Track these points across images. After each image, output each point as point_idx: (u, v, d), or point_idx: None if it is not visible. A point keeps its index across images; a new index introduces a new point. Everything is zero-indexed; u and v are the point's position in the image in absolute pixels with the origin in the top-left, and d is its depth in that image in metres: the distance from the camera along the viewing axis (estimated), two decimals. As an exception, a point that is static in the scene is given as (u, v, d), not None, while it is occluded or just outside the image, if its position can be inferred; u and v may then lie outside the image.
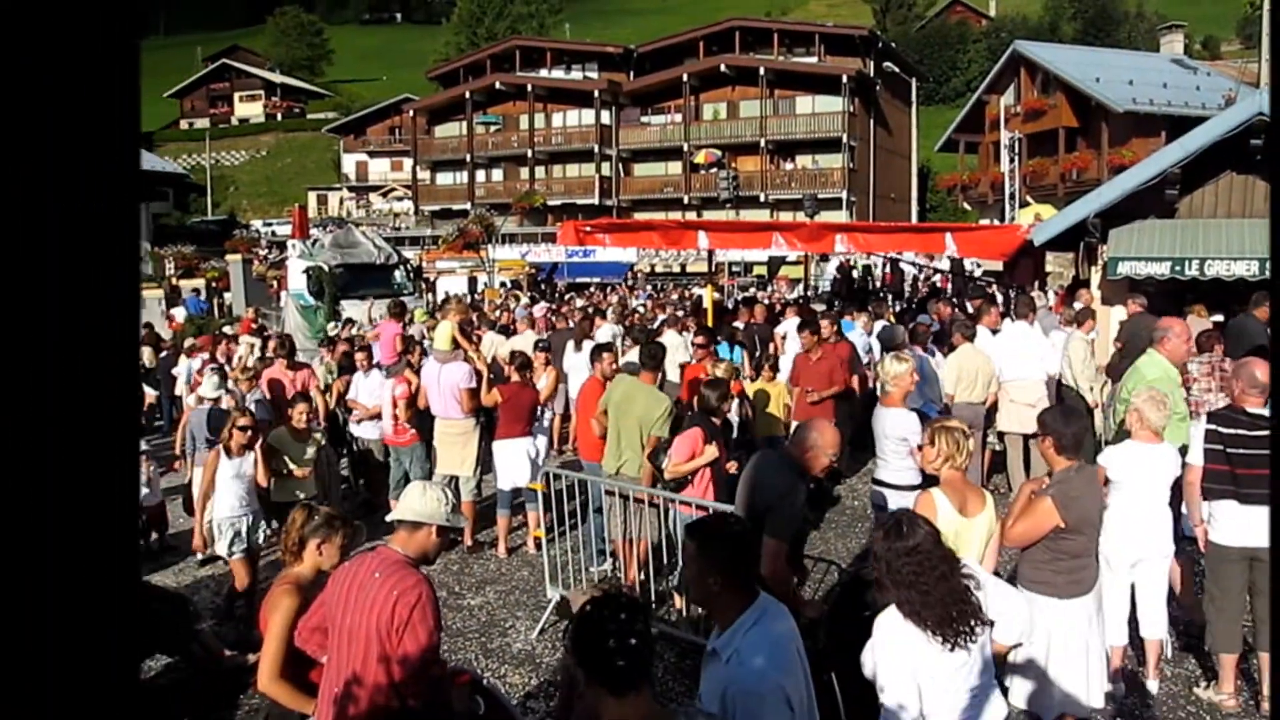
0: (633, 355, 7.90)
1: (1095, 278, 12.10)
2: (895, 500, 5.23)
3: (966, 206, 39.17)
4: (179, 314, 19.78)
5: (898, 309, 15.07)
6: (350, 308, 17.07)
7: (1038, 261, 14.46)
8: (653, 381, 6.71)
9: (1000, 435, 8.82)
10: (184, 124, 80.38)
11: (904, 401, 5.76)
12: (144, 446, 8.19)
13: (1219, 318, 9.38)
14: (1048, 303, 13.09)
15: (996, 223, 26.68)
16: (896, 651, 2.82)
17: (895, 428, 5.53)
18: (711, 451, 5.69)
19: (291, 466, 6.56)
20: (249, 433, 6.27)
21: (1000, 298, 13.53)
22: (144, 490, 7.85)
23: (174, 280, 23.63)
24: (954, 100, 60.21)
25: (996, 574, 4.48)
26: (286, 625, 3.43)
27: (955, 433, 3.89)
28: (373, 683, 3.02)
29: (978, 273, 19.08)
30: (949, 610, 2.78)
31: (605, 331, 11.88)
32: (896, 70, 37.84)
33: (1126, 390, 5.93)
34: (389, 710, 3.03)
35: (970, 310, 11.06)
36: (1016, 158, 31.02)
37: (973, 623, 2.81)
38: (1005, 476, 8.91)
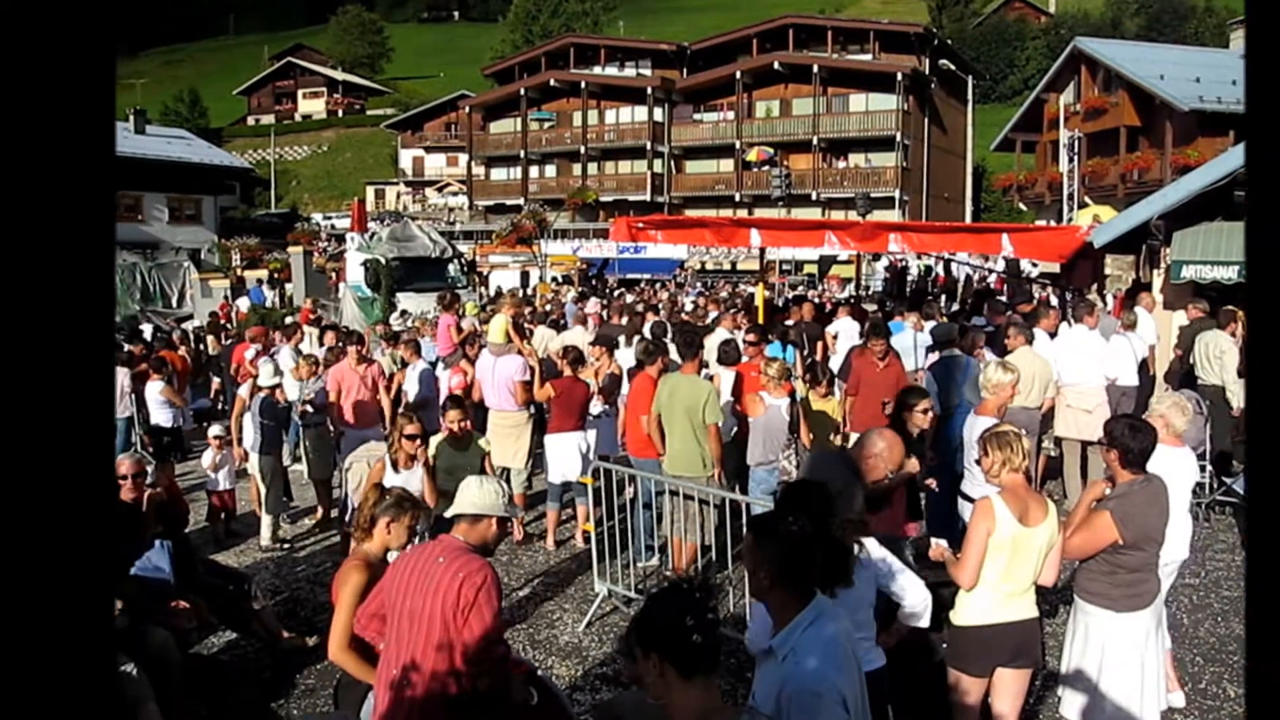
0: (673, 354, 7.88)
1: (1157, 281, 11.82)
2: None
3: (1022, 207, 38.31)
4: (243, 303, 20.37)
5: (950, 310, 14.83)
6: (405, 299, 17.40)
7: (1096, 264, 14.11)
8: (694, 370, 6.73)
9: (1056, 441, 8.66)
10: (251, 120, 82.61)
11: (998, 412, 5.41)
12: (219, 431, 8.41)
13: None
14: (1106, 307, 12.79)
15: (1054, 224, 26.06)
16: None
17: None
18: (912, 465, 4.55)
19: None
20: (417, 441, 5.67)
21: (1056, 300, 13.25)
22: (213, 474, 8.12)
23: (239, 271, 24.37)
24: (1011, 99, 58.97)
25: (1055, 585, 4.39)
26: (356, 598, 3.58)
27: (1004, 436, 3.76)
28: (434, 665, 3.09)
29: (1034, 273, 18.65)
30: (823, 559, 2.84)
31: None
32: (952, 68, 37.16)
33: None
34: (448, 694, 3.10)
35: (1021, 314, 10.83)
36: (1075, 157, 30.24)
37: (834, 578, 2.82)
38: (1060, 483, 8.76)
